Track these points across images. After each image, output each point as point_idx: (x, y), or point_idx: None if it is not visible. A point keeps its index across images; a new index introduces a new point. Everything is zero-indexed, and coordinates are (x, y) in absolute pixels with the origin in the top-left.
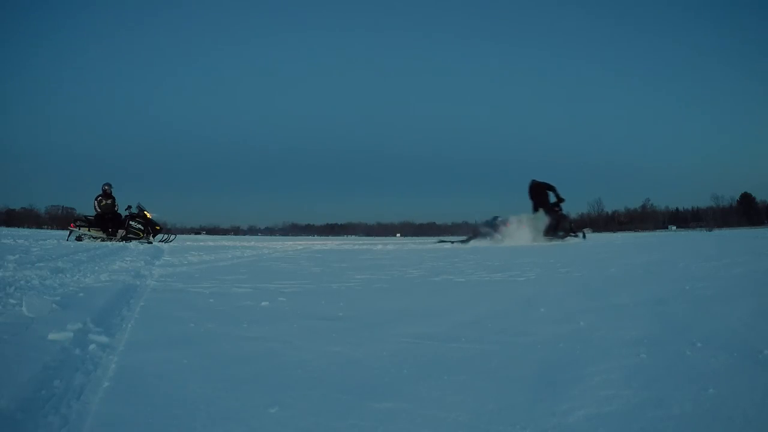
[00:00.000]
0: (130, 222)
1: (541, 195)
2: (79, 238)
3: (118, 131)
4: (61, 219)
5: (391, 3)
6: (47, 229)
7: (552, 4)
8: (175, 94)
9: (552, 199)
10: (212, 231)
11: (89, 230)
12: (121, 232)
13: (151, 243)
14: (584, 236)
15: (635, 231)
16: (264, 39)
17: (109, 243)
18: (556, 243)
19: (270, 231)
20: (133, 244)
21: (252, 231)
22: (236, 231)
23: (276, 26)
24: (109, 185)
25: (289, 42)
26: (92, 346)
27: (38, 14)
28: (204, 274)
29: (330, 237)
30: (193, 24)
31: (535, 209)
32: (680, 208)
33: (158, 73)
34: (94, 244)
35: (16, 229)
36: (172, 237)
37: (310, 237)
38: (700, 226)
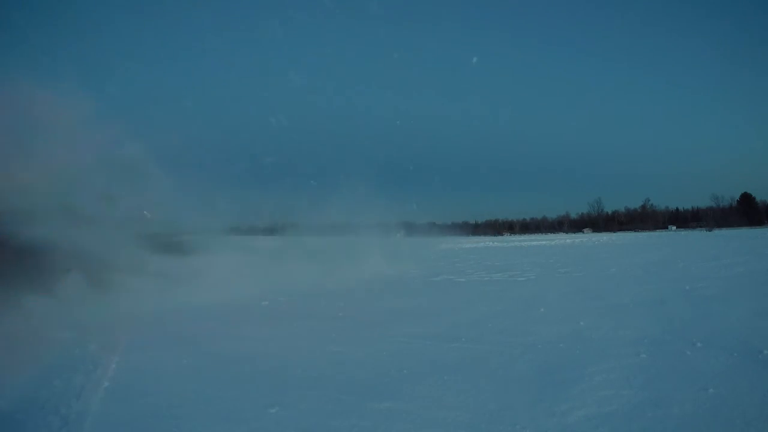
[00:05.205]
0: None
1: None
2: None
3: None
4: None
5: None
6: None
7: (552, 4)
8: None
9: None
10: None
11: None
12: None
13: None
14: None
15: (635, 231)
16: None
17: None
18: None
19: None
20: None
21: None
22: None
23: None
24: None
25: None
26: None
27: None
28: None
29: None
30: (205, 21)
31: None
32: (680, 208)
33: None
34: None
35: None
36: None
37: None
38: (700, 226)
